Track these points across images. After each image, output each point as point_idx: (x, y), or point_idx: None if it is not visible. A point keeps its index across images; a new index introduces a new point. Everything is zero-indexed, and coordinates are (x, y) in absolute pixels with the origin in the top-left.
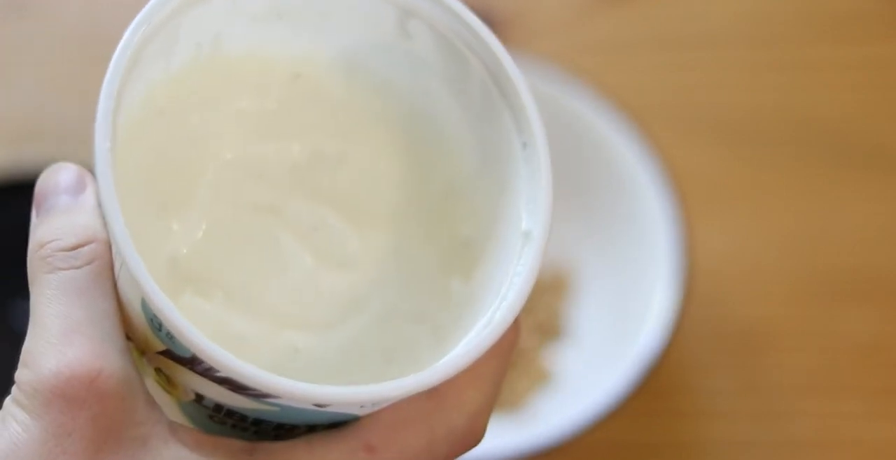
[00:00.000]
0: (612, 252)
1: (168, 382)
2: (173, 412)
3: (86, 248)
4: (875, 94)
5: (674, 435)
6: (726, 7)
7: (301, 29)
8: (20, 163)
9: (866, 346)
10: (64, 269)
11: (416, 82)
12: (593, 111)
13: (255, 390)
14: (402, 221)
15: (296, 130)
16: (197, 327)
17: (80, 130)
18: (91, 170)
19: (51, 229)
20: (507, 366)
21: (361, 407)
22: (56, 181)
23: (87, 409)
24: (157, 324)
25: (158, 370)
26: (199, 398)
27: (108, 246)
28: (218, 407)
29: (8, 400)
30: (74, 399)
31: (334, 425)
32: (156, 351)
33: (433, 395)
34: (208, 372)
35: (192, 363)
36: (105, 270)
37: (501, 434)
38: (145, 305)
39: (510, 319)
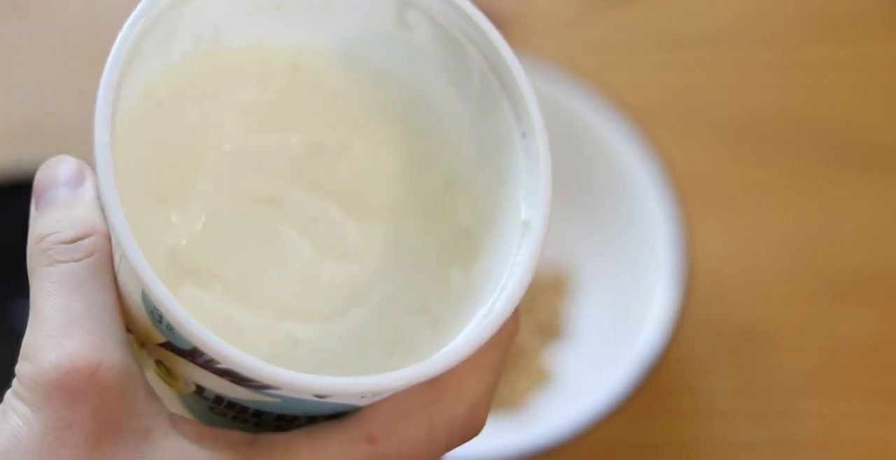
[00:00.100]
0: (613, 252)
1: (168, 374)
2: (174, 404)
3: (85, 241)
4: (875, 93)
5: (674, 435)
6: (726, 7)
7: (300, 20)
8: (20, 163)
9: (866, 346)
10: (63, 262)
11: (416, 73)
12: (593, 111)
13: (255, 381)
14: (402, 212)
15: (295, 121)
16: (197, 319)
17: (80, 130)
18: (90, 164)
19: (50, 222)
20: (507, 356)
21: (362, 397)
22: (55, 174)
23: (88, 402)
24: (157, 316)
25: (159, 362)
26: (200, 390)
27: (108, 238)
28: (218, 399)
29: (9, 393)
30: (74, 391)
31: (335, 416)
32: (156, 344)
33: (433, 385)
34: (209, 364)
35: (193, 355)
36: (105, 263)
37: (501, 434)
38: (145, 297)
39: (510, 309)
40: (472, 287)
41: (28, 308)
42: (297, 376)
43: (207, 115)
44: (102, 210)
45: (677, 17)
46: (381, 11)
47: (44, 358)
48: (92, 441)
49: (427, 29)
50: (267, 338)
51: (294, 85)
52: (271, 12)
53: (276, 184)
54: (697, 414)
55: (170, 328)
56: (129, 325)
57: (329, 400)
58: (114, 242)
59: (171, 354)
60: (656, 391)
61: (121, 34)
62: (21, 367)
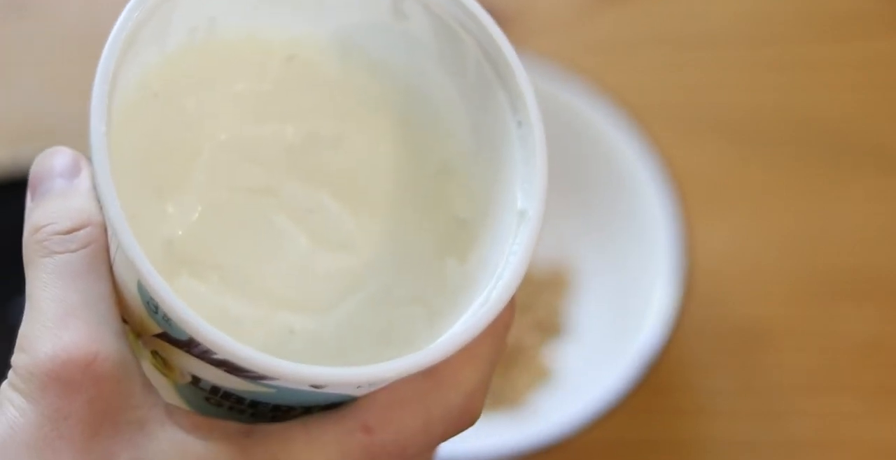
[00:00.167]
0: (613, 250)
1: (164, 365)
2: (170, 395)
3: (81, 232)
4: (875, 93)
5: (673, 433)
6: (726, 7)
7: (296, 10)
8: (20, 163)
9: (866, 346)
10: (59, 253)
11: (412, 63)
12: (593, 110)
13: (251, 372)
14: (398, 203)
15: (291, 112)
16: (193, 310)
17: (80, 130)
18: (87, 156)
19: (46, 213)
20: (503, 346)
21: (358, 387)
22: (51, 165)
23: (84, 393)
24: (153, 307)
25: (155, 353)
26: (196, 380)
27: (104, 229)
28: (215, 390)
29: (4, 385)
30: (70, 382)
31: (331, 406)
32: (152, 334)
33: (429, 375)
34: (205, 355)
35: (189, 345)
36: (101, 253)
37: (502, 431)
38: (141, 288)
39: (506, 298)
40: (468, 277)
41: None
42: (292, 366)
43: (203, 106)
44: (98, 201)
45: (677, 16)
46: (378, 2)
47: (40, 348)
48: (88, 432)
49: (423, 19)
50: (263, 329)
51: (290, 75)
52: (267, 3)
53: (271, 175)
54: (697, 412)
55: (166, 319)
56: (125, 316)
57: (325, 390)
58: (110, 233)
59: (167, 345)
60: (656, 389)
61: (116, 25)
62: (17, 358)
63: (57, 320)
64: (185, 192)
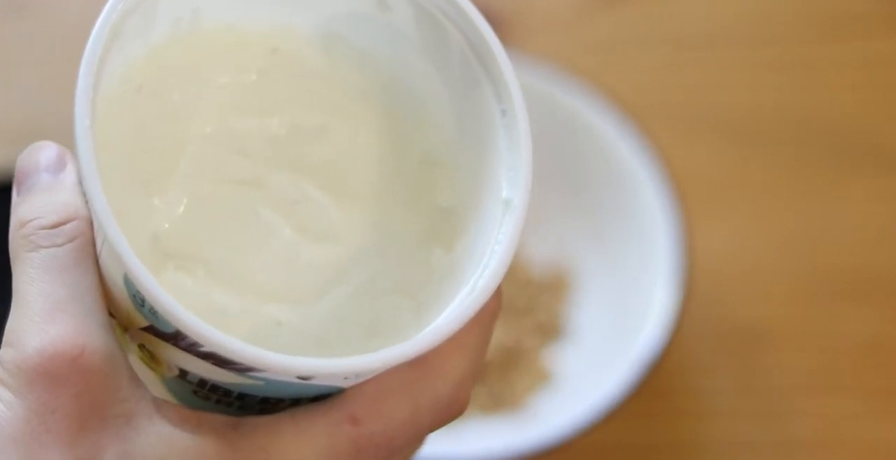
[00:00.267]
0: (613, 252)
1: (151, 358)
2: (157, 388)
3: (67, 226)
4: (875, 93)
5: (674, 434)
6: (726, 7)
7: (281, 1)
8: None
9: (866, 346)
10: (46, 247)
11: (396, 54)
12: (593, 110)
13: (239, 364)
14: (383, 193)
15: (275, 104)
16: (180, 303)
17: None
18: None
19: (32, 207)
20: (490, 335)
21: (345, 379)
22: (36, 159)
23: (71, 387)
24: (139, 300)
25: (142, 346)
26: (183, 373)
27: (90, 223)
28: (202, 383)
29: None
30: (57, 376)
31: (319, 398)
32: (139, 328)
33: (417, 365)
34: (192, 348)
35: (176, 338)
36: (87, 247)
37: (502, 434)
38: (128, 281)
39: (493, 287)
40: (455, 267)
41: None
42: (280, 358)
43: (187, 99)
44: (84, 195)
45: (677, 16)
46: None
47: (27, 343)
48: (75, 426)
49: (407, 9)
50: (250, 321)
51: (274, 67)
52: None
53: (256, 167)
54: (697, 413)
55: (152, 312)
56: (112, 310)
57: (312, 381)
58: (96, 227)
59: (153, 338)
60: (656, 391)
61: (100, 17)
62: (4, 353)
63: (44, 314)
64: (171, 186)
